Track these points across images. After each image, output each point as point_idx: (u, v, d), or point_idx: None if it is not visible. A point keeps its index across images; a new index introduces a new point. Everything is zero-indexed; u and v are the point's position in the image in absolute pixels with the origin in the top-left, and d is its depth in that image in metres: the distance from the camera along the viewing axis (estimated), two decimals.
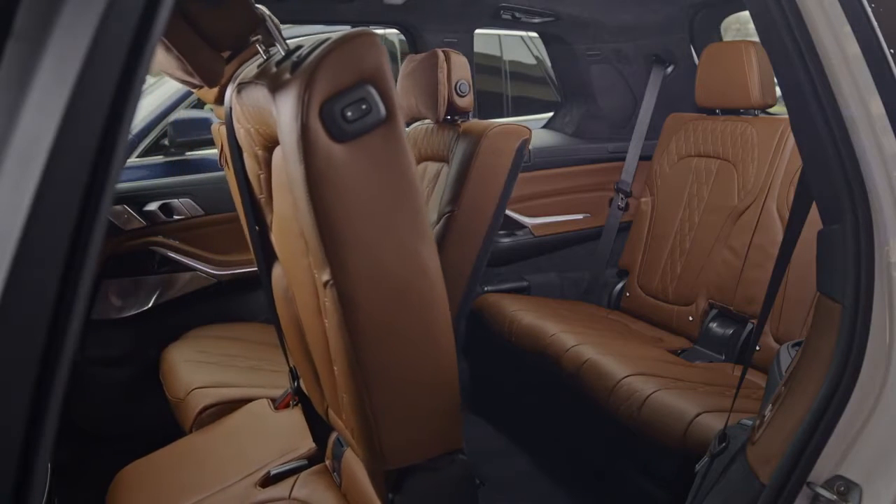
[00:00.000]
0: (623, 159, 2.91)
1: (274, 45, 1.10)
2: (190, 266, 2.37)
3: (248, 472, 1.50)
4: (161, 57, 1.06)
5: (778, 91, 1.95)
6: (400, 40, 3.42)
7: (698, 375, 2.01)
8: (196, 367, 1.96)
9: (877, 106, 0.92)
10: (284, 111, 0.91)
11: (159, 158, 2.61)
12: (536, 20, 2.78)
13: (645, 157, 2.85)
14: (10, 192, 0.43)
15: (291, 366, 1.50)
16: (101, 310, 2.30)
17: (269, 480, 1.48)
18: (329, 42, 0.90)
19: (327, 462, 1.50)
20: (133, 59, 0.46)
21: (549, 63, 3.25)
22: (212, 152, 2.70)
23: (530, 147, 2.22)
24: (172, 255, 2.35)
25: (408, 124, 2.38)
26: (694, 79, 2.52)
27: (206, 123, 2.71)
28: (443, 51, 2.18)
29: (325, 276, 0.93)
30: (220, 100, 1.50)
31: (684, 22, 2.83)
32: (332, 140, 0.88)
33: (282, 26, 1.22)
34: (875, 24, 0.92)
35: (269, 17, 1.08)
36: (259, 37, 1.10)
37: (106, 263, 2.27)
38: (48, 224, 0.44)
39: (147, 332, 2.36)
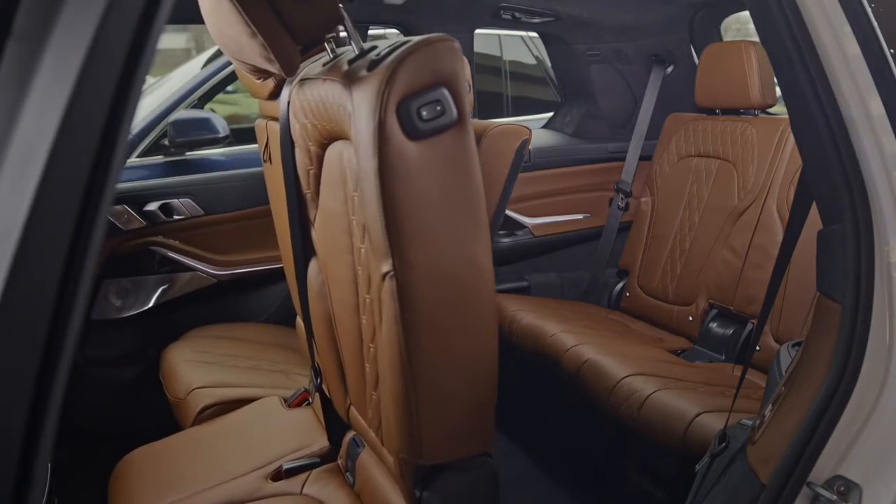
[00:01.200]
0: (623, 159, 2.91)
1: (340, 46, 1.16)
2: (190, 266, 2.37)
3: (258, 466, 1.50)
4: (242, 42, 1.09)
5: (778, 91, 1.95)
6: None
7: (698, 375, 2.01)
8: (196, 367, 1.96)
9: (877, 106, 0.92)
10: (362, 106, 0.95)
11: (159, 158, 2.61)
12: (536, 20, 2.78)
13: (645, 157, 2.85)
14: (10, 192, 0.43)
15: (316, 363, 1.50)
16: (101, 310, 2.30)
17: (280, 475, 1.49)
18: (410, 44, 0.95)
19: (340, 461, 1.51)
20: (133, 59, 0.46)
21: (549, 63, 3.25)
22: (212, 152, 2.71)
23: (530, 147, 2.22)
24: (172, 255, 2.35)
25: None
26: (694, 79, 2.52)
27: (206, 123, 2.71)
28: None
29: (386, 268, 0.96)
30: (272, 95, 1.53)
31: (684, 22, 2.83)
32: (406, 137, 0.92)
33: None
34: (875, 24, 0.92)
35: (347, 18, 1.12)
36: (333, 34, 1.15)
37: (106, 263, 2.27)
38: (48, 224, 0.44)
39: (147, 332, 2.36)
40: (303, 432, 1.61)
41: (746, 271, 2.22)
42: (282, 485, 1.47)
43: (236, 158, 2.77)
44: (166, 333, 2.26)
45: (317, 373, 1.50)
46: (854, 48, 0.92)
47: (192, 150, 2.65)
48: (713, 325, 2.31)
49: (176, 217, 2.35)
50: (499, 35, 3.73)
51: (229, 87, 4.04)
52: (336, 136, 1.17)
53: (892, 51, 0.93)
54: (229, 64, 3.18)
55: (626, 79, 2.99)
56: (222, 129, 2.76)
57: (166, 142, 2.71)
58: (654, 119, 2.85)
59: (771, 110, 2.49)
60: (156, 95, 3.02)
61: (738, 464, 1.11)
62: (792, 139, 2.15)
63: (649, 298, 2.57)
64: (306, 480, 1.47)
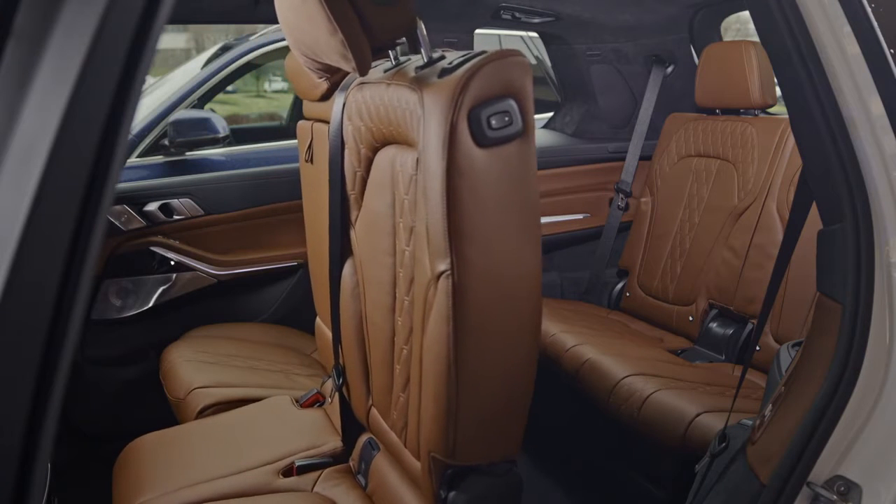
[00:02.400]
0: (623, 159, 2.91)
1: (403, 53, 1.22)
2: (190, 266, 2.37)
3: (269, 460, 1.52)
4: (321, 39, 1.13)
5: (778, 91, 1.95)
6: None
7: (698, 375, 2.01)
8: (196, 367, 1.96)
9: (877, 106, 0.92)
10: (433, 111, 1.00)
11: (159, 158, 2.61)
12: (536, 20, 2.78)
13: (645, 157, 2.85)
14: (10, 192, 0.43)
15: (340, 364, 1.52)
16: (101, 310, 2.30)
17: (292, 471, 1.50)
18: (484, 55, 1.01)
19: (352, 463, 1.52)
20: (133, 59, 0.46)
21: (549, 63, 3.25)
22: (212, 152, 2.71)
23: None
24: (172, 255, 2.35)
25: None
26: (694, 79, 2.52)
27: (206, 123, 2.71)
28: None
29: (442, 267, 1.01)
30: (323, 97, 1.56)
31: (684, 22, 2.83)
32: (474, 143, 0.97)
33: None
34: (875, 24, 0.92)
35: (422, 25, 1.18)
36: (403, 40, 1.20)
37: (106, 263, 2.27)
38: (48, 224, 0.44)
39: (147, 332, 2.36)
40: (315, 432, 1.62)
41: (746, 271, 2.22)
42: (293, 481, 1.48)
43: (236, 158, 2.77)
44: (166, 333, 2.26)
45: (339, 373, 1.51)
46: (854, 48, 0.92)
47: (192, 150, 2.65)
48: (713, 325, 2.31)
49: (176, 217, 2.35)
50: (499, 35, 3.73)
51: (229, 87, 4.04)
52: (391, 139, 1.22)
53: (892, 51, 0.93)
54: (229, 64, 3.18)
55: (626, 79, 2.99)
56: (222, 129, 2.76)
57: (166, 142, 2.70)
58: (654, 119, 2.85)
59: (771, 110, 2.49)
60: (156, 95, 3.02)
61: (738, 464, 1.11)
62: (792, 139, 2.15)
63: (649, 298, 2.57)
64: (318, 479, 1.48)
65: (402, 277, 1.21)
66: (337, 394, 1.55)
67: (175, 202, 2.35)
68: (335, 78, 1.50)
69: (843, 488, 0.94)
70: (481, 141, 0.98)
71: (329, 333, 1.70)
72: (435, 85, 1.03)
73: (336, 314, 1.46)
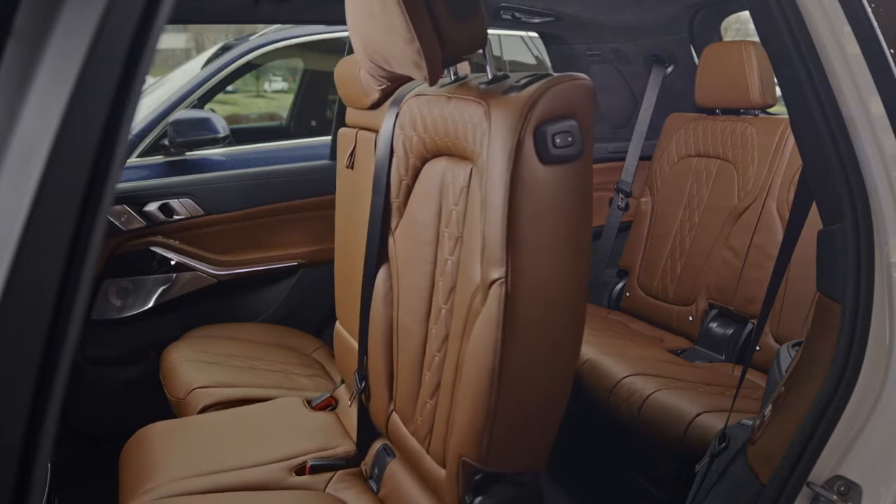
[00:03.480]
0: (623, 159, 2.91)
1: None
2: (190, 266, 2.37)
3: (282, 458, 1.53)
4: (395, 46, 1.17)
5: (778, 91, 1.95)
6: None
7: (698, 375, 2.01)
8: (196, 367, 1.96)
9: (877, 106, 0.92)
10: (500, 125, 1.06)
11: (159, 158, 2.61)
12: (536, 20, 2.77)
13: (645, 157, 2.84)
14: (10, 192, 0.43)
15: (363, 368, 1.54)
16: (101, 310, 2.30)
17: (304, 470, 1.51)
18: (551, 77, 1.06)
19: (363, 467, 1.54)
20: (133, 58, 0.46)
21: (549, 63, 3.25)
22: (212, 152, 2.71)
23: None
24: (172, 255, 2.35)
25: None
26: (694, 79, 2.52)
27: (206, 123, 2.71)
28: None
29: (496, 275, 1.05)
30: (373, 106, 1.62)
31: (684, 22, 2.82)
32: (538, 158, 1.03)
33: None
34: (875, 24, 0.92)
35: (490, 43, 1.23)
36: (468, 58, 1.26)
37: (106, 263, 2.27)
38: (48, 224, 0.44)
39: (147, 332, 2.36)
40: (327, 434, 1.64)
41: (746, 271, 2.22)
42: (306, 480, 1.49)
43: (236, 158, 2.77)
44: (166, 333, 2.26)
45: (361, 377, 1.53)
46: (854, 48, 0.92)
47: (192, 150, 2.65)
48: (713, 325, 2.31)
49: (176, 217, 2.35)
50: (499, 35, 3.74)
51: (229, 87, 4.05)
52: (444, 151, 1.26)
53: (892, 51, 0.93)
54: (229, 64, 3.18)
55: (626, 79, 2.98)
56: (222, 129, 2.76)
57: (166, 142, 2.70)
58: (654, 119, 2.85)
59: (771, 110, 2.49)
60: (156, 95, 3.02)
61: (738, 464, 1.11)
62: (792, 139, 2.15)
63: (649, 298, 2.57)
64: (330, 480, 1.50)
65: (442, 285, 1.26)
66: (357, 398, 1.57)
67: (175, 202, 2.35)
68: (389, 88, 1.55)
69: (843, 488, 0.94)
70: (545, 157, 1.03)
71: (348, 338, 1.73)
72: (503, 100, 1.08)
73: (365, 319, 1.48)
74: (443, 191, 1.26)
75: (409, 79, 1.41)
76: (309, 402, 1.80)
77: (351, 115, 1.84)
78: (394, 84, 1.50)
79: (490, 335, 1.06)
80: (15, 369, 0.44)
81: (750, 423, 1.18)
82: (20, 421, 0.44)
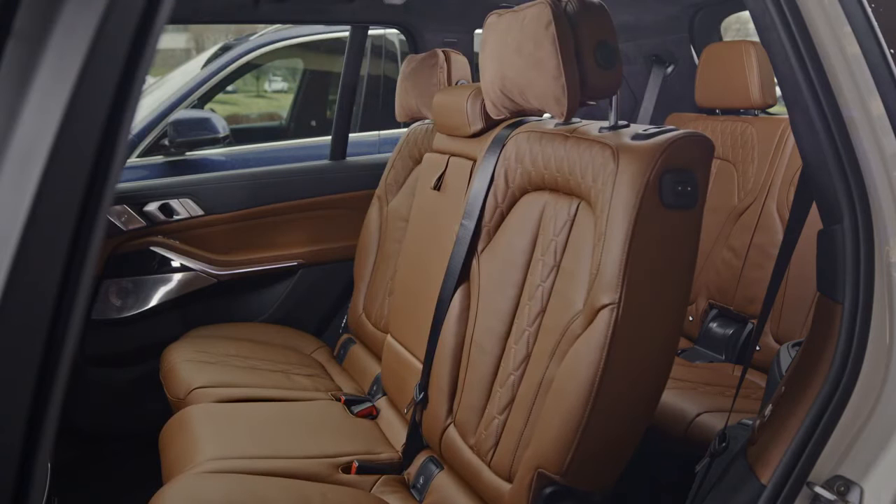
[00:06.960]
0: None
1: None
2: (190, 266, 2.37)
3: (328, 454, 1.57)
4: (540, 81, 1.29)
5: (778, 91, 1.95)
6: (400, 40, 3.42)
7: (698, 375, 2.01)
8: (196, 367, 1.96)
9: (877, 106, 0.92)
10: (629, 167, 1.16)
11: (159, 158, 2.61)
12: None
13: None
14: (10, 192, 0.43)
15: (425, 383, 1.57)
16: (101, 310, 2.30)
17: (350, 469, 1.55)
18: (679, 131, 1.17)
19: (406, 476, 1.58)
20: (133, 58, 0.46)
21: None
22: (212, 152, 2.71)
23: None
24: (172, 255, 2.34)
25: (408, 124, 2.38)
26: (694, 79, 2.52)
27: (206, 123, 2.71)
28: (443, 51, 2.17)
29: (607, 300, 1.13)
30: (473, 135, 1.71)
31: (684, 22, 2.82)
32: (660, 202, 1.13)
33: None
34: (875, 24, 0.92)
35: (620, 90, 1.35)
36: (595, 103, 1.39)
37: (106, 263, 2.27)
38: (48, 224, 0.44)
39: (147, 332, 2.35)
40: (371, 439, 1.69)
41: (746, 271, 2.21)
42: (352, 478, 1.53)
43: (236, 158, 2.77)
44: (166, 333, 2.26)
45: (422, 389, 1.57)
46: (854, 48, 0.92)
47: (192, 150, 2.65)
48: (713, 325, 2.30)
49: (176, 217, 2.35)
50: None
51: (229, 87, 4.05)
52: (549, 185, 1.36)
53: (892, 51, 0.93)
54: (229, 64, 3.18)
55: (626, 79, 2.98)
56: (222, 129, 2.76)
57: (166, 142, 2.70)
58: (654, 119, 2.85)
59: (771, 110, 2.49)
60: (156, 95, 3.03)
61: (738, 464, 1.11)
62: (792, 139, 2.15)
63: None
64: (375, 483, 1.53)
65: (529, 309, 1.33)
66: (413, 409, 1.61)
67: (175, 202, 2.35)
68: (493, 121, 1.64)
69: (842, 488, 0.94)
70: (666, 202, 1.12)
71: (402, 351, 1.78)
72: (632, 146, 1.18)
73: (435, 335, 1.53)
74: (542, 222, 1.35)
75: (523, 115, 1.53)
76: (349, 406, 1.84)
77: (443, 140, 1.90)
78: (505, 118, 1.57)
79: (593, 356, 1.13)
80: (15, 369, 0.44)
81: (750, 423, 1.18)
82: (20, 421, 0.44)
